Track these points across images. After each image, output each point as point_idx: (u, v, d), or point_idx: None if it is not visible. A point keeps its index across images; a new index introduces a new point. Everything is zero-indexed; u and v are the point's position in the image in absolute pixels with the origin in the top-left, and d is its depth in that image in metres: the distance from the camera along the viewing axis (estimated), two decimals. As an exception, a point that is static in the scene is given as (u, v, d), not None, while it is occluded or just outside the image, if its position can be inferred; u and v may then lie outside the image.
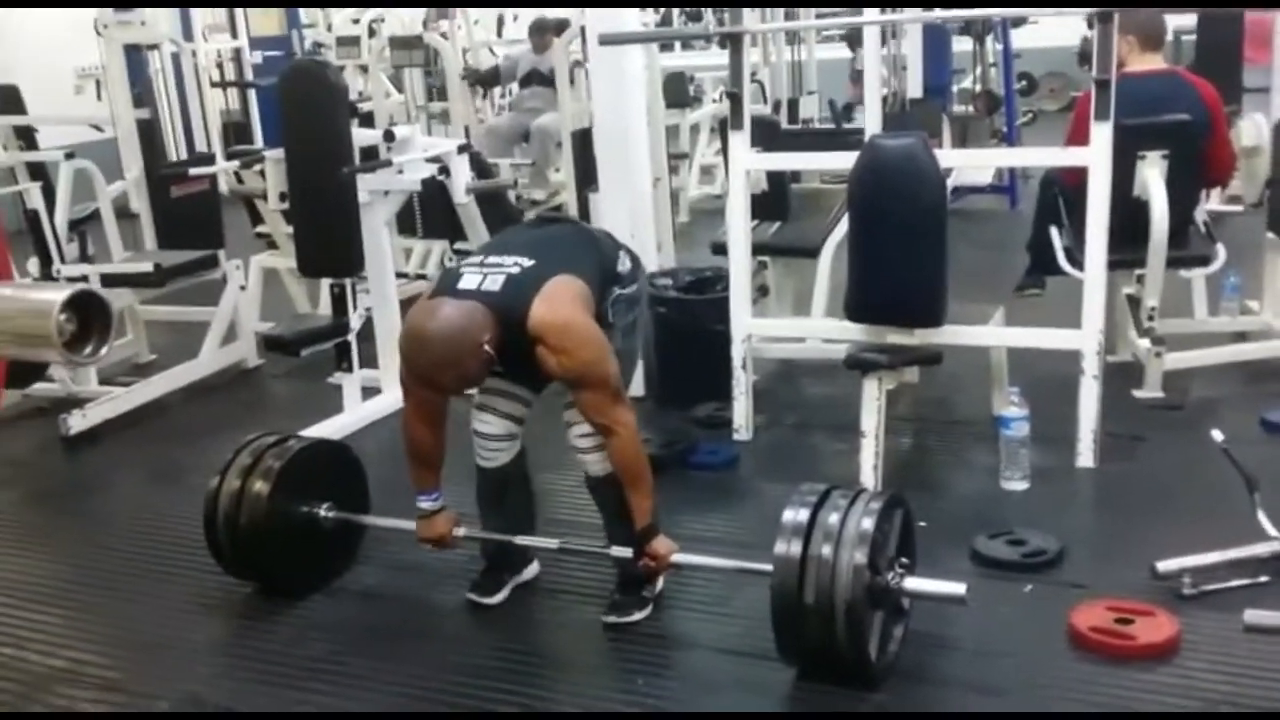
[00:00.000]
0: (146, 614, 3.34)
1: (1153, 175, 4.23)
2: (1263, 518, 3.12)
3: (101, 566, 3.65)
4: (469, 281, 2.86)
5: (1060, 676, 2.74)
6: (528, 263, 2.88)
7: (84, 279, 5.02)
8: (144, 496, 4.29)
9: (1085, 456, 3.82)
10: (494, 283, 2.83)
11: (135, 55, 6.32)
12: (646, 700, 2.77)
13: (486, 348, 2.75)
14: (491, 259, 2.92)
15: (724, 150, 5.00)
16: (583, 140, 5.18)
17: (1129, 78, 4.14)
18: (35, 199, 5.05)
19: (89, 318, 1.46)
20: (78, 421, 4.69)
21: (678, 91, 8.50)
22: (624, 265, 3.10)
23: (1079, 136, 4.04)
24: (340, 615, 3.24)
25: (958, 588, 2.72)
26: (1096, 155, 3.70)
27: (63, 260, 5.15)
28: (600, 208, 4.78)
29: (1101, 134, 3.67)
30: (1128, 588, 3.01)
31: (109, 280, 5.14)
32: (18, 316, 1.45)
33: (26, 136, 6.06)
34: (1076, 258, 4.07)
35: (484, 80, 8.85)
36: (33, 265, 5.07)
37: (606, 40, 4.38)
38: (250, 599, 3.33)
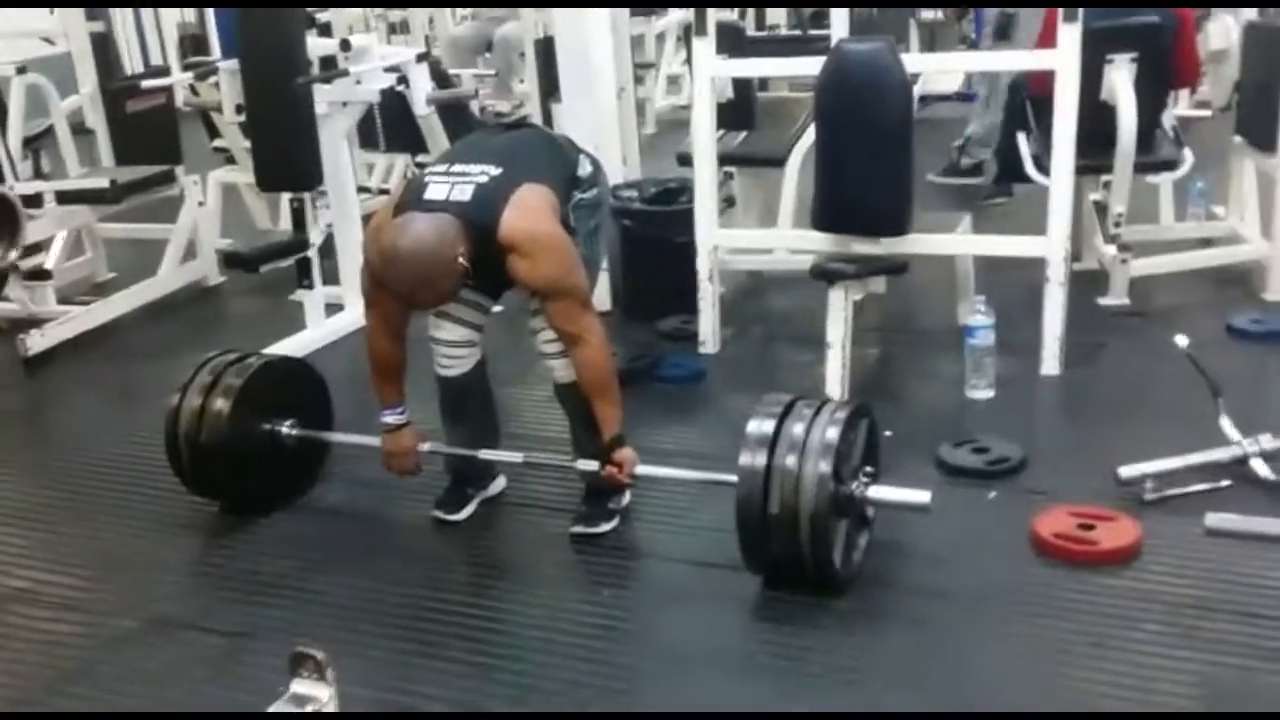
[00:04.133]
0: (108, 533, 3.32)
1: (1121, 79, 4.19)
2: (1225, 423, 3.14)
3: (62, 486, 3.62)
4: (436, 192, 2.81)
5: (1023, 582, 2.76)
6: (495, 171, 2.84)
7: (38, 197, 4.92)
8: (105, 416, 4.25)
9: (1050, 364, 3.83)
10: (463, 192, 2.80)
11: (88, -34, 6.15)
12: (612, 612, 2.77)
13: (461, 261, 2.72)
14: (457, 167, 2.88)
15: (690, 60, 4.91)
16: (546, 49, 5.09)
17: (1097, -21, 4.08)
18: (-14, 115, 4.93)
19: None
20: (36, 341, 4.62)
21: (643, -2, 8.34)
22: (585, 169, 3.07)
23: (1048, 40, 3.98)
24: (305, 532, 3.23)
25: (922, 495, 2.73)
26: (1064, 59, 3.65)
27: (16, 178, 5.04)
28: (563, 119, 4.71)
29: (1070, 37, 3.62)
30: (1090, 494, 3.03)
31: (64, 197, 5.05)
32: None
33: (-25, 51, 5.92)
34: (1044, 164, 4.04)
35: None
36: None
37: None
38: (213, 517, 3.31)
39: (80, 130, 5.89)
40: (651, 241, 4.49)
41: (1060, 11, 3.63)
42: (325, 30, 5.74)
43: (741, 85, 4.81)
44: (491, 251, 2.77)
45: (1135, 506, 2.98)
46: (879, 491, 2.77)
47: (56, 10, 6.20)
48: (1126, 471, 3.04)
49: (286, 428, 3.29)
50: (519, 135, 3.21)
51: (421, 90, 4.75)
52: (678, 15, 8.92)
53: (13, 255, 1.34)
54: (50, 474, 3.72)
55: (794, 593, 2.72)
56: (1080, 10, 3.58)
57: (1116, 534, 2.85)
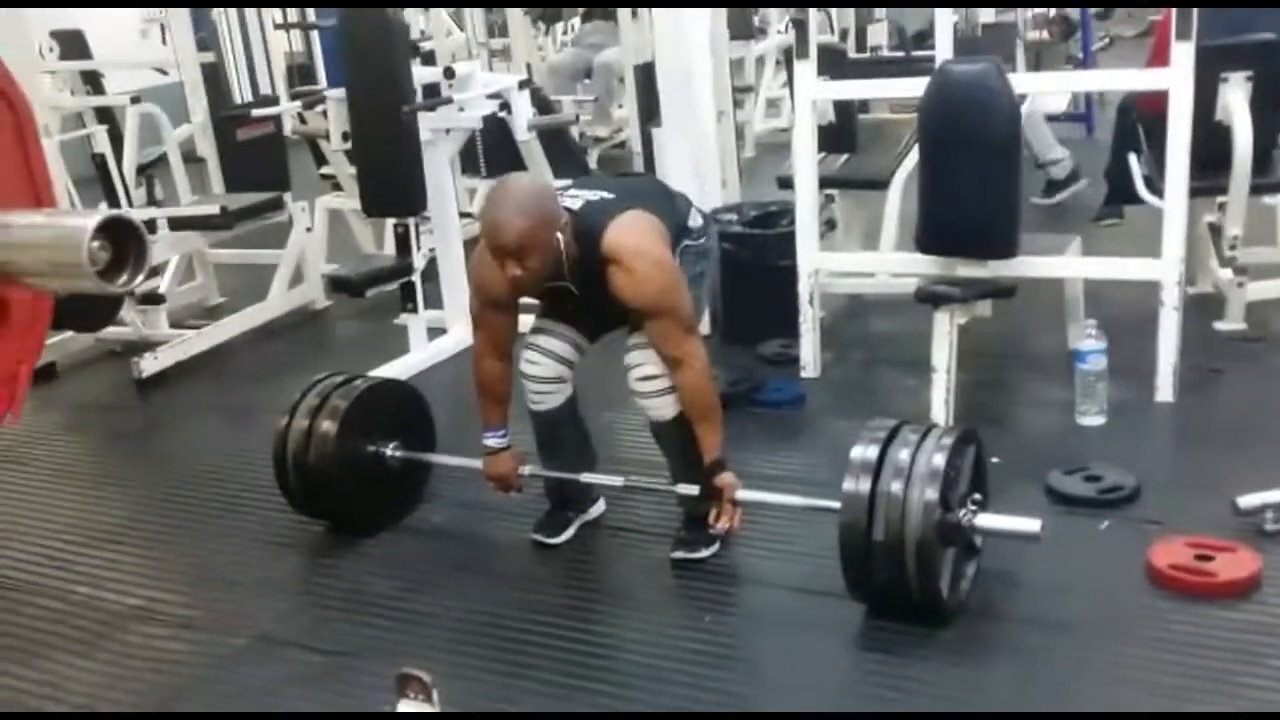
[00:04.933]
0: (219, 552, 3.38)
1: (1236, 98, 4.08)
2: (1350, 451, 3.03)
3: (174, 506, 3.70)
4: None
5: (1137, 613, 2.68)
6: (608, 195, 2.92)
7: (152, 223, 5.06)
8: (215, 437, 4.34)
9: (1164, 390, 3.72)
10: (573, 203, 2.87)
11: (199, -2, 6.33)
12: (715, 638, 2.75)
13: (560, 235, 2.75)
14: (571, 191, 2.96)
15: (790, 82, 4.90)
16: (645, 75, 5.10)
17: (1211, -3, 3.98)
18: (102, 143, 5.08)
19: (124, 244, 1.45)
20: (150, 364, 4.76)
21: (742, 23, 8.34)
22: (695, 221, 3.11)
23: (1160, 59, 3.90)
24: (407, 553, 3.26)
25: (1032, 524, 2.66)
26: (1178, 77, 3.56)
27: (130, 204, 5.19)
28: (663, 143, 4.71)
29: (1183, 55, 3.53)
30: (1208, 524, 2.93)
31: (177, 223, 5.18)
32: (49, 245, 1.44)
33: (93, 81, 6.13)
34: (1156, 185, 3.95)
35: (543, 15, 8.75)
36: (96, 210, 5.11)
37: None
38: (319, 537, 3.36)
39: (192, 158, 6.05)
40: (752, 265, 4.47)
41: (1173, 30, 3.54)
42: (429, 58, 5.82)
43: (843, 107, 4.78)
44: (595, 260, 2.80)
45: (1255, 537, 2.88)
46: (987, 520, 2.71)
47: (169, 41, 6.39)
48: (1246, 501, 2.94)
49: (391, 449, 3.33)
50: (636, 178, 3.27)
51: (523, 116, 4.79)
52: (777, 39, 8.92)
53: (139, 279, 1.40)
54: (163, 493, 3.80)
55: (899, 622, 2.67)
56: (1194, 28, 3.49)
57: (1235, 565, 2.76)
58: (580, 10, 8.55)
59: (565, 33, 9.74)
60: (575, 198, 2.90)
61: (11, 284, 1.68)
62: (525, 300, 3.02)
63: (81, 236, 1.48)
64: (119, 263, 1.55)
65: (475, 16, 8.16)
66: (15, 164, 1.82)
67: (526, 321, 3.15)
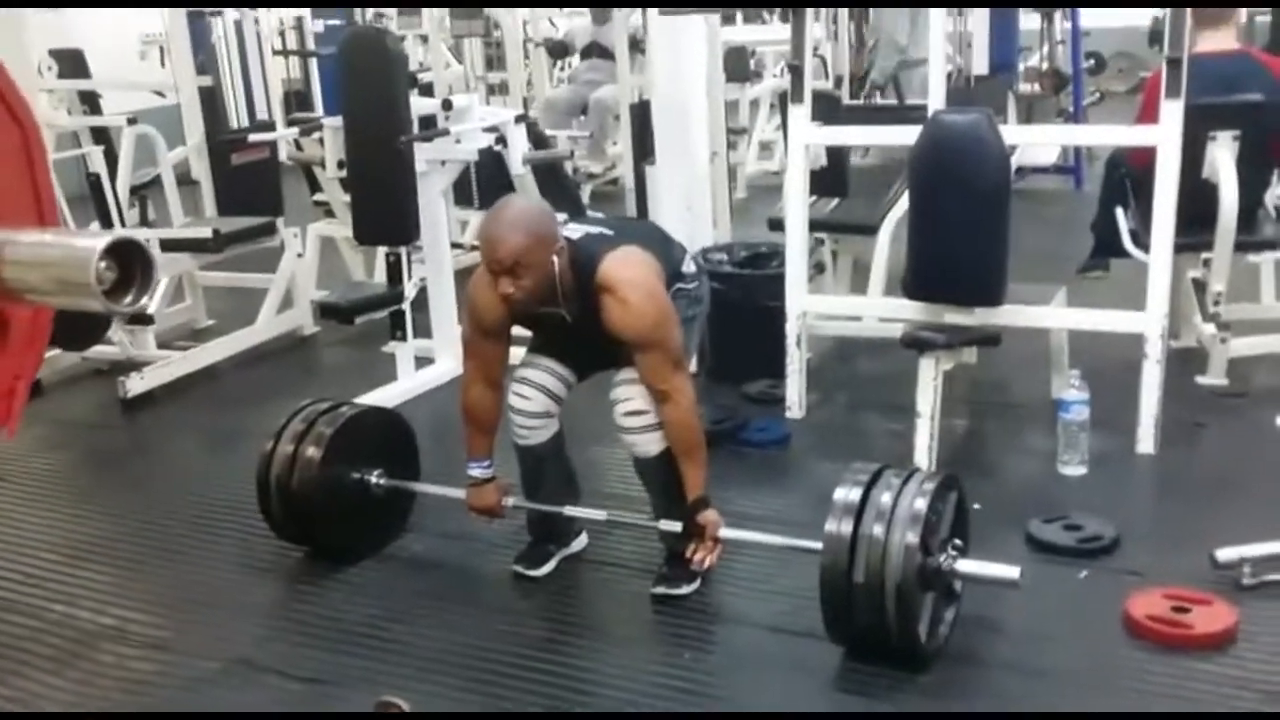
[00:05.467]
0: (198, 575, 3.37)
1: (1223, 157, 4.13)
2: (1328, 508, 3.05)
3: (155, 527, 3.69)
4: None
5: (1114, 664, 2.69)
6: (608, 231, 2.96)
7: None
8: (199, 459, 4.34)
9: (1145, 442, 3.75)
10: (573, 232, 2.91)
11: (199, 22, 6.36)
12: (694, 675, 2.75)
13: (555, 259, 2.77)
14: (571, 224, 3.00)
15: (784, 126, 4.96)
16: (640, 113, 5.14)
17: (1200, 57, 4.04)
18: (97, 163, 5.10)
19: (130, 265, 1.48)
20: (135, 384, 4.75)
21: (738, 66, 8.43)
22: (689, 267, 3.15)
23: (1149, 116, 3.95)
24: (389, 582, 3.25)
25: (1011, 571, 2.67)
26: (1166, 134, 3.61)
27: (123, 224, 5.20)
28: (656, 181, 4.75)
29: (1172, 113, 3.59)
30: (1186, 576, 2.94)
31: (168, 245, 5.19)
32: (58, 264, 1.47)
33: (90, 101, 6.13)
34: (1142, 240, 3.99)
35: (553, 50, 8.83)
36: (94, 229, 5.12)
37: (667, 9, 4.34)
38: (301, 563, 3.34)
39: (186, 180, 6.06)
40: (740, 305, 4.48)
41: (1163, 87, 3.59)
42: (427, 90, 5.86)
43: (835, 153, 4.82)
44: (589, 290, 2.82)
45: (1232, 590, 2.89)
46: (967, 565, 2.72)
47: (168, 64, 6.41)
48: (1224, 554, 2.96)
49: (375, 477, 3.33)
50: (634, 221, 3.30)
51: (518, 150, 4.82)
52: (772, 83, 9.00)
53: (144, 300, 1.43)
54: (144, 514, 3.79)
55: (877, 665, 2.68)
56: (1183, 86, 3.54)
57: (1212, 618, 2.77)
58: (578, 49, 8.61)
59: (562, 69, 9.82)
60: (575, 230, 2.94)
61: (14, 301, 1.69)
62: (517, 331, 3.04)
63: (90, 256, 1.51)
64: (125, 283, 1.57)
65: (474, 49, 8.21)
66: (21, 181, 1.83)
67: (517, 355, 3.16)
